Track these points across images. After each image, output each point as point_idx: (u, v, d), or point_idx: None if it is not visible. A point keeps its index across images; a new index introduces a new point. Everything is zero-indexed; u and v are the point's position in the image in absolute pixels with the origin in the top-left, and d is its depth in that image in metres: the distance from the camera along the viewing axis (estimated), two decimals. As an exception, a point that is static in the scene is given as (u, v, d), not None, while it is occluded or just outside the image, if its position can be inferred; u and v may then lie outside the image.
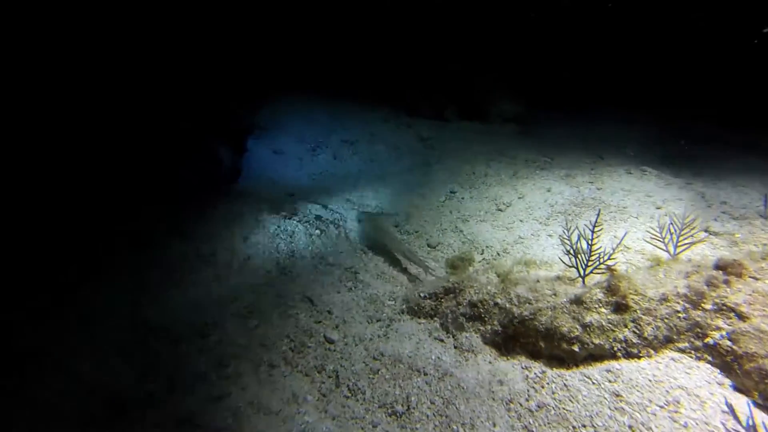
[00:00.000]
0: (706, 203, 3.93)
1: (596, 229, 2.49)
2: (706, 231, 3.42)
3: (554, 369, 2.22)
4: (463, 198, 4.62)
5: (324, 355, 2.56)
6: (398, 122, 6.84)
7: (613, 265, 2.28)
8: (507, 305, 2.53)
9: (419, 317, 2.93)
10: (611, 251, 2.38)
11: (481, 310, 2.65)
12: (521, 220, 4.14)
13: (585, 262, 2.42)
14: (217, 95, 5.55)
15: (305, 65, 8.66)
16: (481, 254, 3.79)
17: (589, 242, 2.36)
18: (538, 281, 2.57)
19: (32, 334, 2.59)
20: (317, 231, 3.71)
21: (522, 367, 2.35)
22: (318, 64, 8.65)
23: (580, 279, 2.48)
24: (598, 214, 2.60)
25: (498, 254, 3.76)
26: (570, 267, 2.56)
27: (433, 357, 2.55)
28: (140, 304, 2.85)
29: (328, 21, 7.80)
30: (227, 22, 6.06)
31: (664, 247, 2.61)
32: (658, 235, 2.69)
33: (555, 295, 2.39)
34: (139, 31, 4.43)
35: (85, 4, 3.70)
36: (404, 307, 3.00)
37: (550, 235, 3.82)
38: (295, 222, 3.80)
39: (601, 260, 2.34)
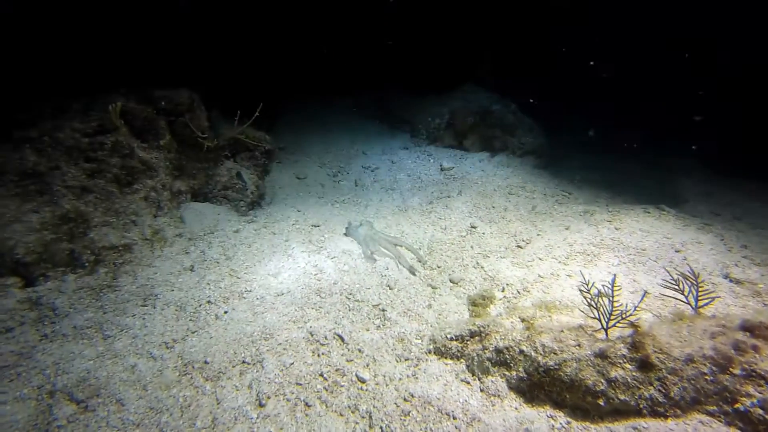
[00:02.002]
0: (726, 247, 4.01)
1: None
2: (727, 277, 3.51)
3: (579, 421, 2.33)
4: (483, 233, 4.74)
5: (357, 395, 2.69)
6: (419, 150, 7.02)
7: (636, 320, 2.39)
8: (532, 354, 2.65)
9: (446, 358, 3.05)
10: (633, 307, 2.50)
11: (507, 357, 2.77)
12: (540, 259, 4.24)
13: (608, 314, 2.53)
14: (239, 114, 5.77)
15: (329, 89, 8.96)
16: (502, 292, 3.89)
17: (611, 299, 2.48)
18: (562, 331, 2.68)
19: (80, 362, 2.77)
20: (345, 267, 3.86)
21: (547, 416, 2.45)
22: (341, 88, 8.95)
23: (603, 331, 2.59)
24: (614, 280, 2.70)
25: (518, 292, 3.86)
26: (592, 318, 2.67)
27: (461, 400, 2.67)
28: (181, 336, 3.02)
29: (354, 47, 8.10)
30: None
31: (685, 300, 2.70)
32: (679, 286, 2.78)
33: (579, 346, 2.51)
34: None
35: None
36: (431, 347, 3.12)
37: (569, 275, 3.91)
38: (323, 257, 3.96)
39: (624, 316, 2.45)
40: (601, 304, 2.56)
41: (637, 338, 2.24)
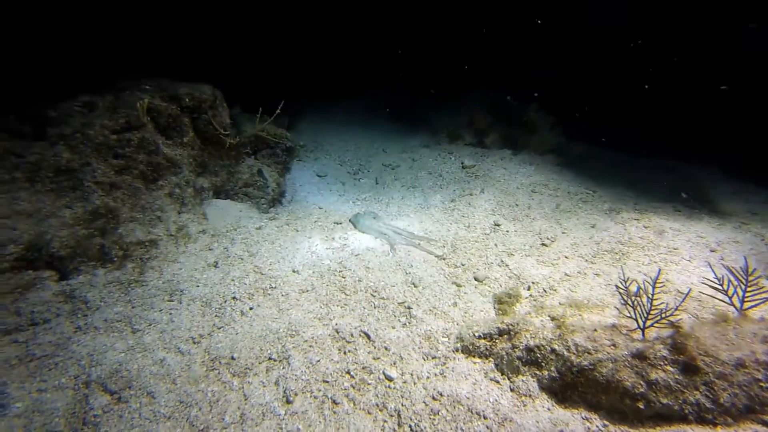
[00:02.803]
0: None
1: (655, 277, 2.51)
2: (768, 279, 3.36)
3: (617, 425, 2.25)
4: (507, 231, 4.67)
5: (385, 393, 2.66)
6: (439, 148, 6.96)
7: (678, 321, 2.30)
8: (565, 353, 2.58)
9: (474, 356, 3.00)
10: (675, 306, 2.40)
11: (538, 356, 2.70)
12: (566, 257, 4.16)
13: (645, 313, 2.44)
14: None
15: (345, 88, 8.97)
16: (528, 290, 3.82)
17: (650, 297, 2.39)
18: (595, 330, 2.60)
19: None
20: (370, 264, 3.83)
21: (582, 418, 2.38)
22: (361, 88, 8.95)
23: (639, 331, 2.50)
24: (659, 273, 2.59)
25: (545, 291, 3.78)
26: (627, 317, 2.59)
27: (491, 399, 2.61)
28: (207, 331, 3.04)
29: (373, 46, 8.08)
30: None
31: (728, 301, 2.59)
32: (720, 285, 2.66)
33: (614, 346, 2.43)
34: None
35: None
36: (458, 345, 3.07)
37: (597, 274, 3.82)
38: (347, 254, 3.94)
39: (663, 315, 2.36)
40: (637, 303, 2.48)
41: (678, 339, 2.15)
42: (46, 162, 3.60)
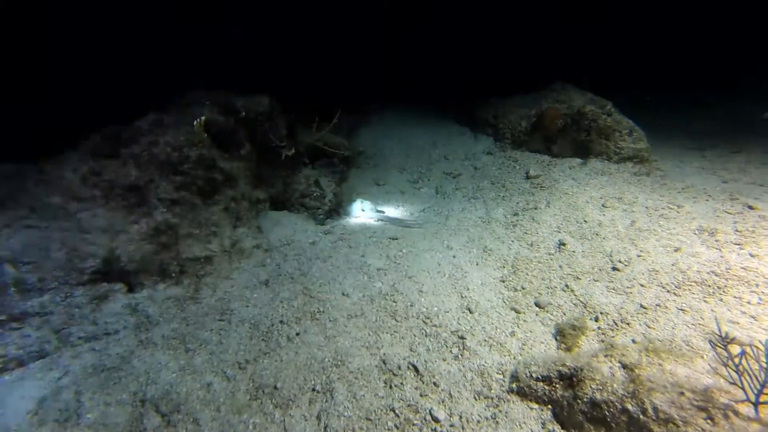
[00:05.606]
0: None
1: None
2: None
3: None
4: (574, 251, 4.23)
5: (430, 439, 2.48)
6: (504, 155, 6.56)
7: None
8: (641, 417, 2.22)
9: (530, 401, 2.71)
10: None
11: (606, 413, 2.36)
12: (642, 285, 3.66)
13: (759, 384, 1.99)
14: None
15: (407, 90, 8.79)
16: (596, 321, 3.43)
17: (765, 365, 1.96)
18: (682, 393, 2.21)
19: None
20: (424, 287, 3.65)
21: (664, 501, 2.03)
22: (424, 90, 8.72)
23: (750, 405, 2.06)
24: None
25: (615, 324, 3.36)
26: (730, 383, 2.15)
27: (550, 460, 2.33)
28: (253, 356, 3.04)
29: (433, 51, 7.82)
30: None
31: None
32: None
33: (712, 421, 2.03)
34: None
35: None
36: (513, 385, 2.80)
37: (682, 310, 3.32)
38: (401, 275, 3.78)
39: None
40: (744, 368, 2.04)
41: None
42: (119, 180, 3.83)
